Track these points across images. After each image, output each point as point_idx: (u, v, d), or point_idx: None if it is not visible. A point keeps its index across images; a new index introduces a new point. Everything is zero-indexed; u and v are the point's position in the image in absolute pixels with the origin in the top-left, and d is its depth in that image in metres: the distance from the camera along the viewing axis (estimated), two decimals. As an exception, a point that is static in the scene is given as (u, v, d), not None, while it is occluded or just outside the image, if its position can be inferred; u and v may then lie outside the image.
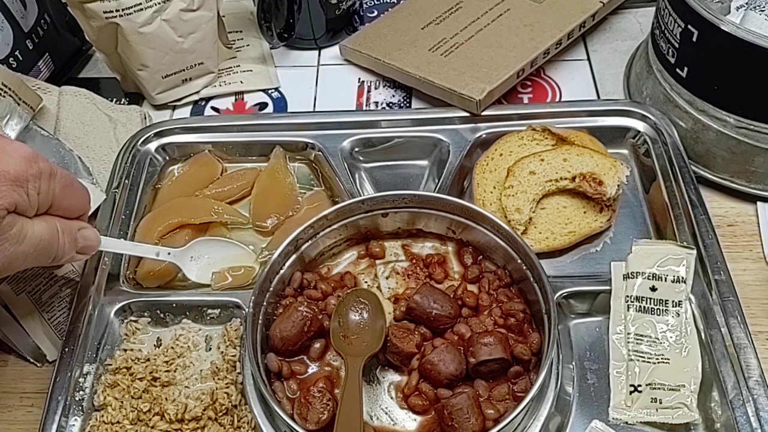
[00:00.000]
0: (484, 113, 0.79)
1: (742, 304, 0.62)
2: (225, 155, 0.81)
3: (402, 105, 0.87)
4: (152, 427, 0.59)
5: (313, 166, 0.80)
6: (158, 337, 0.66)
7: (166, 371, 0.62)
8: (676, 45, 0.71)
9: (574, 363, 0.62)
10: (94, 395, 0.61)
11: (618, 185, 0.69)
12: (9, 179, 0.49)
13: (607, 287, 0.64)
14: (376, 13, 1.00)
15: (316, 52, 0.95)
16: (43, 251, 0.53)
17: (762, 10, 0.69)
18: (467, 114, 0.79)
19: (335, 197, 0.76)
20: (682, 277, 0.62)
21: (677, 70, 0.73)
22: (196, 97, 0.90)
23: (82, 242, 0.57)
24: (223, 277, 0.69)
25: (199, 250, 0.69)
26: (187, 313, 0.67)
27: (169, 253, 0.67)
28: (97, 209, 0.72)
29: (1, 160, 0.50)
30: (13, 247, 0.50)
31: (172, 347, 0.65)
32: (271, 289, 0.62)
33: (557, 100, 0.86)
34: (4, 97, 0.71)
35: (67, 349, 0.63)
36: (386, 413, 0.58)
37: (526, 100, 0.86)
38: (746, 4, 0.71)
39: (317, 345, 0.61)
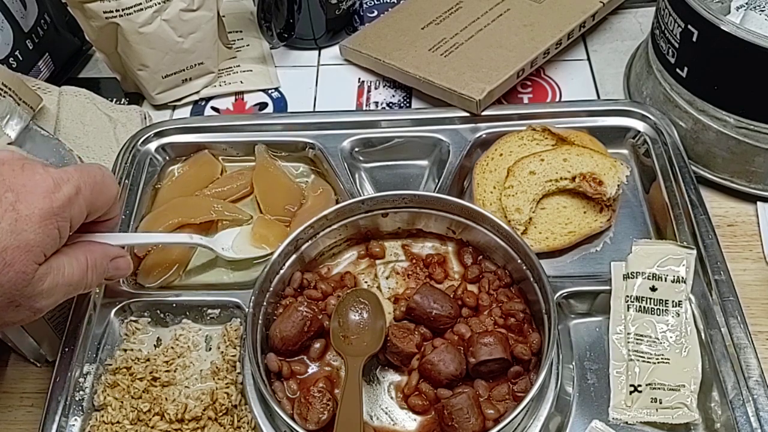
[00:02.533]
0: (484, 113, 0.79)
1: (742, 304, 0.62)
2: (225, 155, 0.81)
3: (402, 105, 0.87)
4: (152, 427, 0.59)
5: (312, 166, 0.80)
6: (158, 337, 0.66)
7: (166, 371, 0.62)
8: (676, 45, 0.71)
9: (574, 363, 0.62)
10: (94, 395, 0.61)
11: (618, 185, 0.69)
12: (35, 222, 0.47)
13: (607, 287, 0.64)
14: (376, 13, 1.00)
15: (316, 52, 0.95)
16: (71, 293, 0.52)
17: (762, 10, 0.69)
18: (467, 114, 0.79)
19: (335, 197, 0.75)
20: (682, 277, 0.62)
21: (677, 70, 0.73)
22: (196, 97, 0.90)
23: (113, 272, 0.57)
24: (263, 237, 0.71)
25: (225, 241, 0.71)
26: (187, 313, 0.67)
27: (201, 238, 0.69)
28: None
29: (24, 201, 0.47)
30: (45, 300, 0.49)
31: (172, 347, 0.65)
32: (271, 289, 0.62)
33: (557, 100, 0.86)
34: (4, 97, 0.71)
35: (67, 349, 0.63)
36: (386, 413, 0.58)
37: (526, 100, 0.86)
38: (746, 4, 0.71)
39: (317, 345, 0.61)
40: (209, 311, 0.66)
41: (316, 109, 0.88)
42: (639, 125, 0.77)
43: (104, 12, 0.78)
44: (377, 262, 0.68)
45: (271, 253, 0.63)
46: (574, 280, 0.66)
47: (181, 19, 0.82)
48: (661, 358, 0.59)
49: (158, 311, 0.67)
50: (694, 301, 0.63)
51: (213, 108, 0.89)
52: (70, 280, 0.51)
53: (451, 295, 0.63)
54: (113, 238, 0.58)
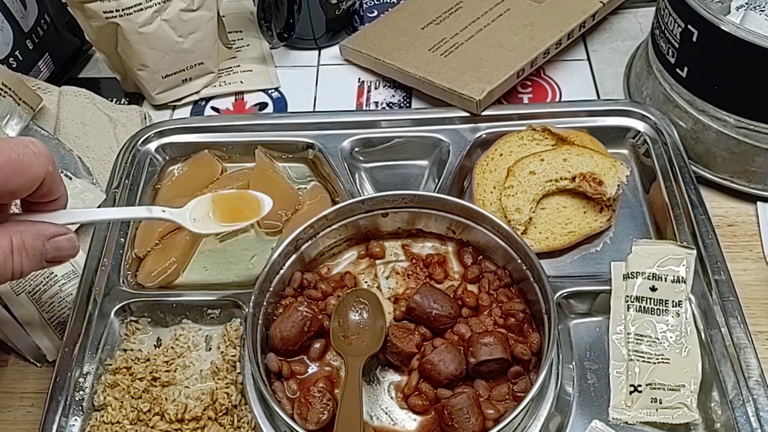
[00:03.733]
0: (484, 113, 0.79)
1: (742, 304, 0.62)
2: (225, 155, 0.81)
3: (402, 105, 0.87)
4: (152, 427, 0.59)
5: (313, 167, 0.80)
6: (158, 337, 0.66)
7: (166, 371, 0.63)
8: (676, 45, 0.71)
9: (574, 363, 0.62)
10: (94, 395, 0.61)
11: (618, 185, 0.69)
12: None
13: (607, 287, 0.64)
14: (376, 13, 1.00)
15: (316, 52, 0.95)
16: None
17: (762, 10, 0.69)
18: (467, 114, 0.79)
19: (335, 197, 0.76)
20: (682, 277, 0.62)
21: (677, 70, 0.73)
22: (196, 97, 0.90)
23: (53, 253, 0.49)
24: (233, 214, 0.61)
25: (201, 210, 0.60)
26: (187, 313, 0.67)
27: (163, 211, 0.58)
28: (97, 209, 0.72)
29: None
30: None
31: (172, 347, 0.65)
32: (271, 289, 0.62)
33: (557, 100, 0.86)
34: (4, 97, 0.71)
35: (67, 349, 0.63)
36: (386, 413, 0.58)
37: (526, 100, 0.86)
38: (746, 4, 0.71)
39: (317, 345, 0.61)
40: (209, 311, 0.66)
41: (316, 109, 0.88)
42: (639, 125, 0.77)
43: (104, 12, 0.78)
44: (377, 262, 0.68)
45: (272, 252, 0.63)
46: (574, 280, 0.66)
47: (181, 19, 0.82)
48: (661, 358, 0.59)
49: (158, 311, 0.67)
50: (694, 301, 0.63)
51: (213, 108, 0.89)
52: None
53: (451, 295, 0.63)
54: (55, 217, 0.51)
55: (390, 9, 0.95)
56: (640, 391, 0.58)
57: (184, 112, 0.89)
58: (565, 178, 0.71)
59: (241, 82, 0.91)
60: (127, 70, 0.87)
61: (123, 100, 0.91)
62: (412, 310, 0.61)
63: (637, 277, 0.63)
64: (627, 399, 0.59)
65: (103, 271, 0.68)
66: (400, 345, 0.58)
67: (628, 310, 0.62)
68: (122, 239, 0.71)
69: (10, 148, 0.44)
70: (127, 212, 0.62)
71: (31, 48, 0.86)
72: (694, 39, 0.68)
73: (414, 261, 0.68)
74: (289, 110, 0.88)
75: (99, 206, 0.72)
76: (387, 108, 0.86)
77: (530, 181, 0.71)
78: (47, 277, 0.66)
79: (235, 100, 0.90)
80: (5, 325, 0.64)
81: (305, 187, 0.78)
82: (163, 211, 0.58)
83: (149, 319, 0.67)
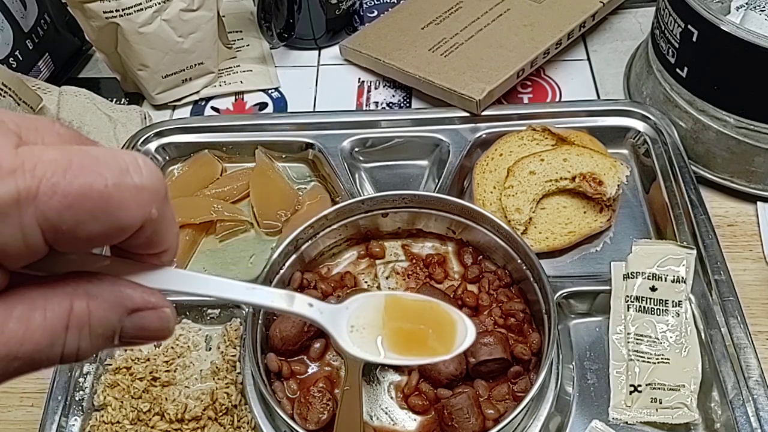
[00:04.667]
0: (484, 113, 0.79)
1: (742, 304, 0.62)
2: (225, 155, 0.81)
3: (402, 105, 0.87)
4: (152, 427, 0.59)
5: (313, 168, 0.80)
6: (158, 337, 0.66)
7: (166, 371, 0.63)
8: (676, 45, 0.71)
9: (574, 363, 0.62)
10: (94, 395, 0.61)
11: (618, 185, 0.69)
12: None
13: (607, 287, 0.64)
14: (376, 13, 1.00)
15: (316, 52, 0.95)
16: (22, 368, 0.27)
17: (762, 10, 0.69)
18: (467, 114, 0.79)
19: (335, 197, 0.76)
20: (682, 277, 0.62)
21: (677, 70, 0.73)
22: (196, 97, 0.90)
23: (133, 333, 0.31)
24: (412, 339, 0.40)
25: (366, 315, 0.40)
26: (187, 313, 0.67)
27: (310, 305, 0.38)
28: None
29: None
30: None
31: (172, 347, 0.64)
32: (271, 289, 0.62)
33: (557, 100, 0.86)
34: (4, 97, 0.71)
35: (67, 349, 0.63)
36: (386, 413, 0.58)
37: (526, 100, 0.86)
38: (746, 4, 0.71)
39: (317, 345, 0.61)
40: (209, 311, 0.66)
41: (316, 109, 0.88)
42: (639, 125, 0.77)
43: (104, 12, 0.78)
44: (377, 262, 0.68)
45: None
46: (574, 280, 0.66)
47: (181, 19, 0.82)
48: (661, 358, 0.59)
49: (158, 311, 0.67)
50: (694, 301, 0.63)
51: (213, 108, 0.89)
52: (9, 350, 0.26)
53: (451, 295, 0.63)
54: (150, 278, 0.34)
55: (390, 9, 0.95)
56: (640, 391, 0.58)
57: (184, 112, 0.89)
58: (565, 178, 0.71)
59: (241, 82, 0.91)
60: (127, 70, 0.87)
61: (123, 100, 0.91)
62: (412, 310, 0.60)
63: (637, 277, 0.63)
64: (627, 399, 0.59)
65: (103, 271, 0.68)
66: (400, 345, 0.58)
67: (628, 310, 0.62)
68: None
69: (99, 172, 0.26)
70: (259, 296, 0.37)
71: (31, 48, 0.86)
72: (694, 39, 0.68)
73: (414, 261, 0.68)
74: (289, 110, 0.88)
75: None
76: (387, 108, 0.86)
77: (530, 181, 0.71)
78: (47, 277, 0.66)
79: (235, 100, 0.90)
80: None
81: (305, 187, 0.78)
82: (310, 305, 0.38)
83: (149, 319, 0.67)
